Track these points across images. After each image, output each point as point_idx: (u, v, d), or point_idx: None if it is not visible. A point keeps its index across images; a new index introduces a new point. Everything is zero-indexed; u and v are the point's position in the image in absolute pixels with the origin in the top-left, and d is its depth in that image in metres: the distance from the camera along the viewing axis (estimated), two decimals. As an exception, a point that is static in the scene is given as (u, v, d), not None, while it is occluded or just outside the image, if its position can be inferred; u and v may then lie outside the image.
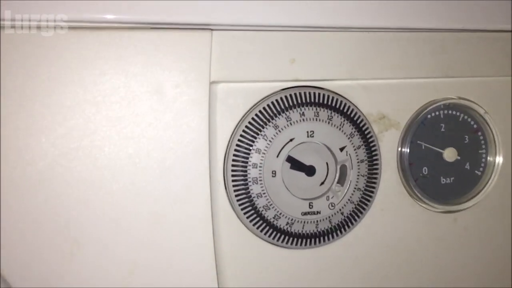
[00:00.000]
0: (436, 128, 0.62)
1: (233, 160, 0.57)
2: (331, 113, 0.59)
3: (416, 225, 0.61)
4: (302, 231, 0.57)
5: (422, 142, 0.62)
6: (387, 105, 0.59)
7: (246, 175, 0.55)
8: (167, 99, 0.50)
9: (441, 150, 0.61)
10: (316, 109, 0.57)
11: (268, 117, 0.55)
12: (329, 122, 0.60)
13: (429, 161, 0.61)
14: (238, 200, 0.56)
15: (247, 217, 0.57)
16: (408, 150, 0.61)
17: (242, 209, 0.55)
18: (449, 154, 0.61)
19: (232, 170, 0.57)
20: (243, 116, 0.55)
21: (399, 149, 0.61)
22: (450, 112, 0.61)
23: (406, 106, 0.60)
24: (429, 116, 0.61)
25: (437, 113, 0.62)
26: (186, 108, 0.51)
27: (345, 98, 0.57)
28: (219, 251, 0.53)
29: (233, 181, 0.58)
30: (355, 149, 0.60)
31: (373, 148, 0.59)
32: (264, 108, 0.58)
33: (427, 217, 0.61)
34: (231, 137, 0.54)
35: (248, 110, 0.55)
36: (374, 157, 0.59)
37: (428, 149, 0.62)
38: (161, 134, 0.50)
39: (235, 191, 0.57)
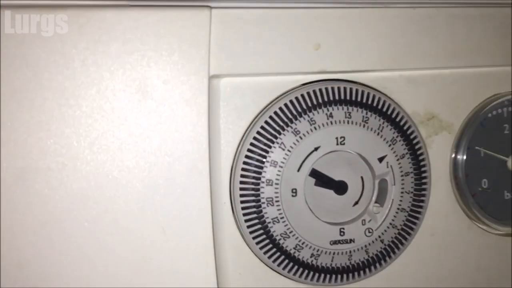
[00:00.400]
0: (499, 130, 0.52)
1: (242, 176, 0.46)
2: (366, 113, 0.47)
3: (475, 252, 0.52)
4: (331, 264, 0.48)
5: (481, 148, 0.52)
6: (438, 102, 0.50)
7: (258, 195, 0.45)
8: (154, 99, 0.40)
9: (505, 158, 0.52)
10: (348, 109, 0.47)
11: (286, 120, 0.45)
12: (364, 126, 0.47)
13: (490, 172, 0.52)
14: (249, 227, 0.46)
15: (261, 248, 0.47)
16: (464, 158, 0.51)
17: (254, 238, 0.47)
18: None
19: (241, 189, 0.46)
20: (253, 120, 0.45)
21: (453, 156, 0.51)
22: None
23: (462, 103, 0.50)
24: (490, 115, 0.52)
25: (500, 111, 0.52)
26: (178, 111, 0.40)
27: (384, 94, 0.48)
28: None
29: (242, 202, 0.46)
30: (397, 159, 0.48)
31: (420, 157, 0.49)
32: (280, 109, 0.46)
33: (489, 241, 0.52)
34: (238, 146, 0.45)
35: (260, 112, 0.46)
36: (422, 169, 0.49)
37: (489, 156, 0.52)
38: (145, 145, 0.39)
39: (244, 215, 0.46)
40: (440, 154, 0.50)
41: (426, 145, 0.50)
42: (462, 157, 0.51)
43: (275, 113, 0.46)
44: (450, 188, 0.51)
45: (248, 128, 0.46)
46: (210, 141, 0.43)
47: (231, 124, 0.45)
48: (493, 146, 0.52)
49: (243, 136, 0.46)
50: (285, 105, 0.46)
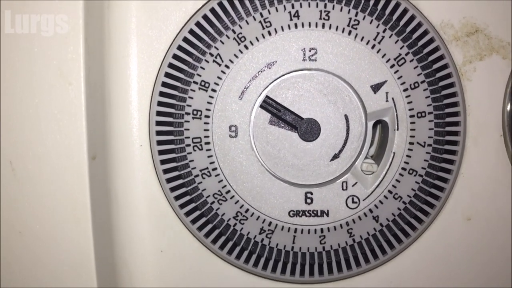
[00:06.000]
0: None
1: (160, 104, 0.32)
2: (356, 14, 0.29)
3: None
4: (292, 247, 0.33)
5: None
6: (486, 9, 0.33)
7: (181, 133, 0.32)
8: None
9: None
10: (325, 6, 0.31)
11: (225, 21, 0.32)
12: (350, 33, 0.30)
13: None
14: (169, 181, 0.33)
15: (187, 213, 0.34)
16: None
17: (176, 198, 0.33)
18: None
19: (158, 123, 0.32)
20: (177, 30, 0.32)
21: (508, 101, 0.34)
22: None
23: None
24: None
25: None
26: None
27: None
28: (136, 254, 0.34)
29: (159, 143, 0.32)
30: (405, 90, 0.30)
31: (448, 92, 0.32)
32: (212, 10, 0.31)
33: None
34: (158, 70, 0.32)
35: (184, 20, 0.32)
36: (451, 110, 0.32)
37: None
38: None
39: (163, 162, 0.33)
40: (487, 91, 0.34)
41: (462, 75, 0.31)
42: None
43: (207, 15, 0.31)
44: (502, 148, 0.34)
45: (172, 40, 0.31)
46: (105, 64, 0.29)
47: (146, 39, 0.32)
48: None
49: (162, 54, 0.32)
50: (220, 4, 0.31)
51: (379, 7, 0.31)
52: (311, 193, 0.32)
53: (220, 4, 0.31)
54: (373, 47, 0.31)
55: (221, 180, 0.31)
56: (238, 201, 0.32)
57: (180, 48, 0.31)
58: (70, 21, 0.29)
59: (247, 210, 0.32)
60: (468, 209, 0.33)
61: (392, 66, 0.31)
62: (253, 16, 0.31)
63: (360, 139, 0.31)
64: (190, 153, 0.31)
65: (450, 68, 0.32)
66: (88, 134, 0.29)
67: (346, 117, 0.31)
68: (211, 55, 0.31)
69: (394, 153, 0.31)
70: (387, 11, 0.31)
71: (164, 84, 0.31)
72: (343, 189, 0.32)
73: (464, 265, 0.34)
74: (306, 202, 0.32)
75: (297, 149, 0.31)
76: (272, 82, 0.31)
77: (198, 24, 0.31)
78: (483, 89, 0.33)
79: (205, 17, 0.31)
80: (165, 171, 0.32)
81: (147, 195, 0.33)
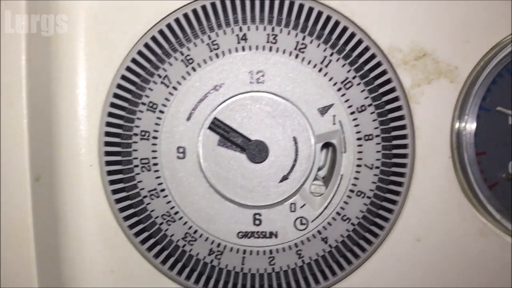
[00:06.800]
0: None
1: (109, 125, 0.32)
2: (303, 38, 0.29)
3: (489, 267, 0.35)
4: (241, 268, 0.33)
5: (507, 110, 0.34)
6: (434, 33, 0.34)
7: (129, 154, 0.32)
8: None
9: None
10: (272, 30, 0.31)
11: (173, 42, 0.32)
12: (297, 56, 0.30)
13: None
14: (118, 201, 0.33)
15: (136, 234, 0.33)
16: (474, 125, 0.34)
17: (125, 219, 0.33)
18: None
19: (107, 144, 0.32)
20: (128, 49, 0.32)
21: (457, 120, 0.34)
22: None
23: (474, 35, 0.34)
24: None
25: None
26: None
27: (340, 13, 0.33)
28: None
29: (108, 163, 0.31)
30: (353, 113, 0.30)
31: (394, 115, 0.33)
32: (161, 32, 0.32)
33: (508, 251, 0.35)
34: (108, 90, 0.33)
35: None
36: (399, 133, 0.33)
37: None
38: None
39: (112, 183, 0.32)
40: (435, 114, 0.34)
41: (410, 98, 0.31)
42: (471, 123, 0.34)
43: (155, 37, 0.31)
44: (451, 170, 0.34)
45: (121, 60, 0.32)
46: (50, 84, 0.30)
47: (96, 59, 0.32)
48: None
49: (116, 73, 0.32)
50: (169, 26, 0.31)
51: (326, 31, 0.31)
52: (260, 215, 0.32)
53: (169, 26, 0.31)
54: (320, 70, 0.31)
55: (170, 201, 0.31)
56: (186, 222, 0.31)
57: (128, 69, 0.31)
58: (11, 43, 0.29)
59: (195, 231, 0.32)
60: (418, 230, 0.34)
61: (339, 90, 0.31)
62: (201, 39, 0.31)
63: (309, 161, 0.32)
64: (139, 174, 0.31)
65: (398, 91, 0.32)
66: (31, 154, 0.29)
67: (295, 139, 0.32)
68: (159, 76, 0.31)
69: (342, 175, 0.31)
70: (334, 35, 0.31)
71: (112, 105, 0.31)
72: (291, 210, 0.32)
73: (414, 286, 0.34)
74: (254, 224, 0.32)
75: (246, 170, 0.32)
76: (220, 104, 0.31)
77: (146, 46, 0.31)
78: (431, 112, 0.34)
79: (153, 38, 0.31)
80: (114, 192, 0.32)
81: (97, 215, 0.33)
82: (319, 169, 0.34)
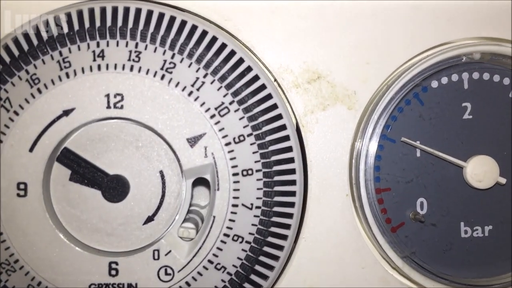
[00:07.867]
0: (446, 109, 0.31)
1: None
2: (172, 56, 0.25)
3: None
4: None
5: (413, 141, 0.31)
6: (327, 54, 0.30)
7: None
8: None
9: (461, 163, 0.30)
10: (136, 46, 0.27)
11: (13, 62, 0.27)
12: (163, 77, 0.26)
13: (431, 187, 0.31)
14: None
15: None
16: (373, 159, 0.30)
17: None
18: (478, 171, 0.30)
19: None
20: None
21: (356, 152, 0.31)
22: (475, 73, 0.31)
23: (375, 56, 0.30)
24: (432, 82, 0.31)
25: (453, 76, 0.31)
26: None
27: (223, 29, 0.29)
28: None
29: None
30: (228, 144, 0.26)
31: (280, 146, 0.28)
32: (5, 46, 0.28)
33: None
34: None
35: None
36: (285, 167, 0.28)
37: (427, 158, 0.31)
38: None
39: None
40: (331, 145, 0.30)
41: (303, 126, 0.28)
42: (371, 156, 0.30)
43: None
44: (350, 210, 0.30)
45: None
46: None
47: None
48: (433, 139, 0.29)
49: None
50: (15, 40, 0.26)
51: (201, 48, 0.27)
52: (117, 263, 0.27)
53: (15, 40, 0.27)
54: (190, 94, 0.27)
55: (8, 248, 0.26)
56: (28, 272, 0.26)
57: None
58: None
59: (39, 283, 0.26)
60: (311, 279, 0.29)
61: (212, 117, 0.27)
62: (51, 55, 0.26)
63: (178, 199, 0.27)
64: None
65: (284, 119, 0.28)
66: None
67: (162, 173, 0.27)
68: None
69: (214, 216, 0.27)
70: (210, 53, 0.27)
71: None
72: (154, 258, 0.27)
73: None
74: (110, 274, 0.27)
75: (105, 210, 0.27)
76: (71, 132, 0.26)
77: (-13, 61, 0.26)
78: (326, 143, 0.30)
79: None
80: None
81: None
82: (202, 208, 0.30)
